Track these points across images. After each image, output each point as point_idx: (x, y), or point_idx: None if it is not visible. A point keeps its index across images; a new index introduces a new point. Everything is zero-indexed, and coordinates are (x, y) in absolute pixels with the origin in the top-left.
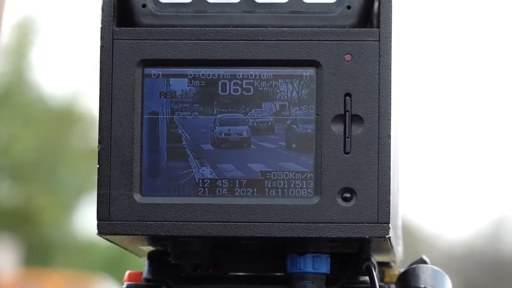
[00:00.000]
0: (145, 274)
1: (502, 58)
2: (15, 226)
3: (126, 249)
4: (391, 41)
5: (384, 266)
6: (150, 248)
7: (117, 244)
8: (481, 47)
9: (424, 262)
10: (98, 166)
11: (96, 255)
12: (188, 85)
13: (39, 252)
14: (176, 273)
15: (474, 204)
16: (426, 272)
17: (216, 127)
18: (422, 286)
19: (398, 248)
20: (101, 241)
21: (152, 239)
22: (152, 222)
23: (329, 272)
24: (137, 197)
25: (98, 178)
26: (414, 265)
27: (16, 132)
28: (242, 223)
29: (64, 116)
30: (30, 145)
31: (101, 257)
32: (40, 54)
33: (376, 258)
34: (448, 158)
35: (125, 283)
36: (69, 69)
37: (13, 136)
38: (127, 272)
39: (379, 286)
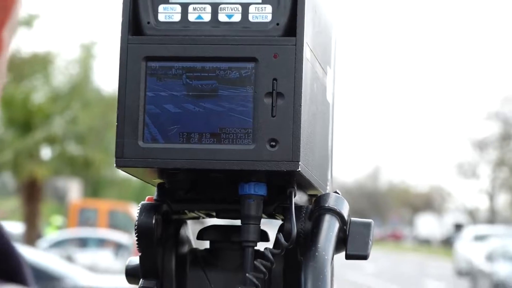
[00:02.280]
0: (154, 197)
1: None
2: (79, 172)
3: (144, 181)
4: (303, 46)
5: (315, 197)
6: (159, 181)
7: (134, 176)
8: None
9: (337, 193)
10: (116, 123)
11: (131, 189)
12: (173, 73)
13: (94, 188)
14: (173, 196)
15: (360, 155)
16: (331, 197)
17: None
18: (326, 205)
19: (327, 188)
20: (135, 180)
21: (155, 172)
22: (149, 159)
23: (266, 195)
24: (140, 143)
25: (116, 131)
26: (325, 193)
27: (80, 112)
28: (206, 160)
29: (112, 102)
30: (89, 120)
31: (135, 190)
32: (97, 61)
33: (309, 192)
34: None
35: (142, 202)
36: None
37: (78, 114)
38: (147, 197)
39: (299, 205)
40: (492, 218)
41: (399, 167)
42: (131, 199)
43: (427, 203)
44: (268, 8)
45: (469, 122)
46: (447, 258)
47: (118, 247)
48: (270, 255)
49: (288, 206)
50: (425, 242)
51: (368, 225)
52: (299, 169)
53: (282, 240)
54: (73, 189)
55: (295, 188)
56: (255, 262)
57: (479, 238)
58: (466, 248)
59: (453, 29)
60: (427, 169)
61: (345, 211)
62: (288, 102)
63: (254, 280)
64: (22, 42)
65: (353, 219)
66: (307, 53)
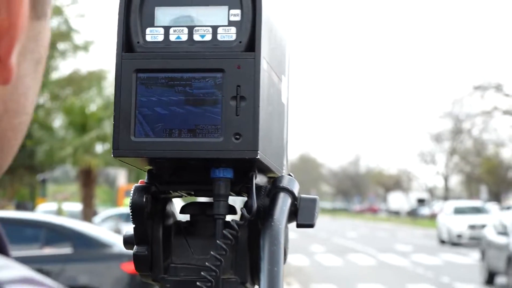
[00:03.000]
0: (145, 180)
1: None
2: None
3: (137, 168)
4: (260, 59)
5: (273, 178)
6: (149, 168)
7: (129, 164)
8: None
9: (290, 175)
10: (113, 122)
11: None
12: (159, 82)
13: (137, 175)
14: (160, 179)
15: (344, 147)
16: (285, 179)
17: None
18: (281, 185)
19: (283, 171)
20: None
21: (145, 161)
22: (139, 150)
23: (232, 177)
24: (132, 138)
25: (113, 129)
26: (280, 175)
27: None
28: (184, 151)
29: None
30: None
31: None
32: None
33: (269, 175)
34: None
35: (135, 184)
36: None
37: None
38: (140, 180)
39: (260, 185)
40: (447, 194)
41: (374, 155)
42: None
43: (397, 183)
44: (233, 29)
45: (428, 120)
46: (413, 226)
47: None
48: (235, 226)
49: (250, 187)
50: (395, 214)
51: (314, 200)
52: (258, 156)
53: (245, 213)
54: (121, 176)
55: (256, 172)
56: (224, 231)
57: (459, 211)
58: (447, 220)
59: (415, 39)
60: (396, 156)
61: (296, 189)
62: (249, 103)
63: (223, 245)
64: (81, 63)
65: (302, 196)
66: (264, 65)
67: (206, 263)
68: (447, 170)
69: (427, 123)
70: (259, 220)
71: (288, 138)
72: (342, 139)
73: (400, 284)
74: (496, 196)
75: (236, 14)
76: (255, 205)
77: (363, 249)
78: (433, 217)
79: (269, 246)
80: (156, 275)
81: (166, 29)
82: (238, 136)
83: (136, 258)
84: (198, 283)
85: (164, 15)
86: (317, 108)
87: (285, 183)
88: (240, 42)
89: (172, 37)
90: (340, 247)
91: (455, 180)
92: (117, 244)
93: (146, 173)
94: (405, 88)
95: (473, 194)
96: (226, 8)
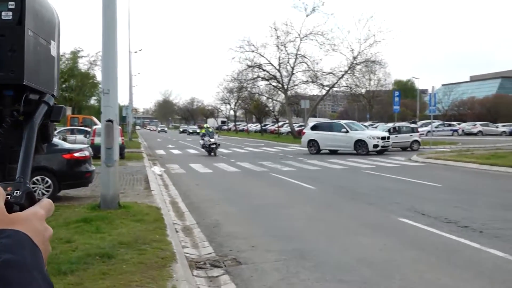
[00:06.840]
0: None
1: None
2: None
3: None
4: (25, 29)
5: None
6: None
7: None
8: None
9: (53, 96)
10: None
11: (94, 110)
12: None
13: (78, 110)
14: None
15: (186, 94)
16: (47, 96)
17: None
18: (43, 99)
19: (54, 92)
20: (97, 106)
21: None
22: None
23: (13, 94)
24: None
25: None
26: (48, 94)
27: None
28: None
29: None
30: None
31: (95, 111)
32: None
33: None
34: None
35: None
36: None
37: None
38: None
39: (32, 99)
40: (235, 120)
41: (201, 99)
42: (93, 115)
43: (211, 113)
44: (10, 13)
45: (227, 81)
46: (223, 135)
47: (87, 132)
48: (13, 118)
49: (22, 99)
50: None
51: (61, 107)
52: (24, 83)
53: (16, 113)
54: (68, 111)
55: (29, 92)
56: (7, 119)
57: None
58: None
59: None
60: (212, 100)
61: (51, 102)
62: (18, 54)
63: (9, 122)
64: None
65: (55, 105)
66: (29, 33)
67: None
68: (235, 107)
69: (226, 83)
70: (30, 116)
71: (58, 76)
72: (185, 91)
73: (211, 164)
74: (259, 120)
75: (12, 5)
76: (22, 108)
77: (193, 146)
78: (229, 130)
79: (28, 132)
80: None
81: None
82: (12, 72)
83: None
84: None
85: None
86: (171, 71)
87: (46, 98)
88: (14, 19)
89: None
90: (182, 145)
91: (239, 112)
92: (61, 144)
93: None
94: (218, 64)
95: (249, 120)
96: (7, 2)
